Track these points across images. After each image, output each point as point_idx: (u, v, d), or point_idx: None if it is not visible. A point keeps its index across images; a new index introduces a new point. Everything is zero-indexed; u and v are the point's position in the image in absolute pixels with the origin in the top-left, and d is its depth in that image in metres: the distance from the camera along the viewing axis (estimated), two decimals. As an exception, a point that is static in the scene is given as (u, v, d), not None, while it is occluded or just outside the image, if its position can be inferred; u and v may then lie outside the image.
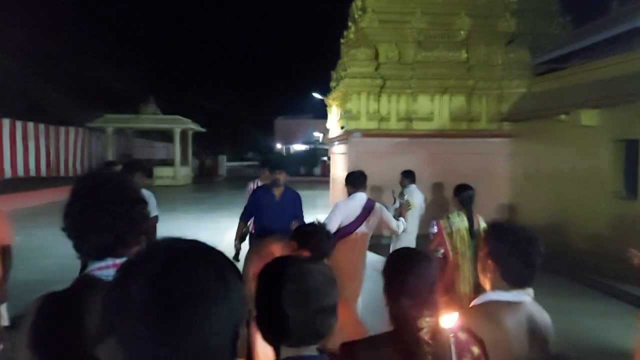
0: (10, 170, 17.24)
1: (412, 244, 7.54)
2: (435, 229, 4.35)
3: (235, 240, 5.37)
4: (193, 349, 0.71)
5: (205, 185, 26.41)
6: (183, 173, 25.82)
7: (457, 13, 10.14)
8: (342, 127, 10.40)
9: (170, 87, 44.02)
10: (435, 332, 1.50)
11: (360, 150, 10.08)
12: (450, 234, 4.21)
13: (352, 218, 4.39)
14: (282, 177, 4.98)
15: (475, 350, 1.55)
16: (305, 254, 2.63)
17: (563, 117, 8.08)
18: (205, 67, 67.30)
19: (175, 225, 11.04)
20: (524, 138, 9.73)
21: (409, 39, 10.26)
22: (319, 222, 2.91)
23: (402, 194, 7.57)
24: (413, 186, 7.66)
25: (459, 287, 4.10)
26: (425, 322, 1.49)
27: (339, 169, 11.79)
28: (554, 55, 9.82)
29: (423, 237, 7.66)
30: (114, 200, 1.36)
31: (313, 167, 36.43)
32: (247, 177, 31.91)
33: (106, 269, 1.32)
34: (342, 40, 12.52)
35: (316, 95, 13.67)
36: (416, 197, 7.57)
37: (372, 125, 10.24)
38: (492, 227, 1.99)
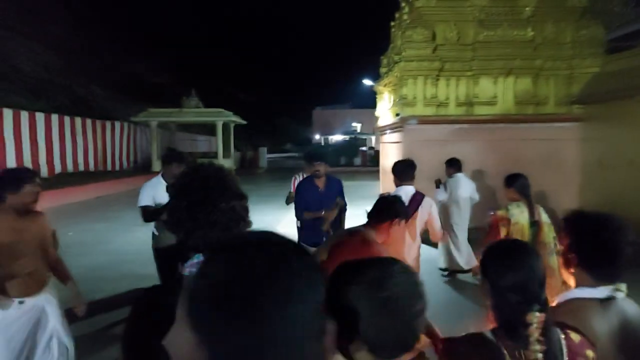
0: (60, 165, 17.43)
1: (464, 236, 7.01)
2: (491, 220, 4.04)
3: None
4: (280, 340, 0.67)
5: (247, 177, 26.28)
6: (225, 165, 25.67)
7: (522, -12, 9.40)
8: (396, 114, 9.83)
9: (210, 80, 44.27)
10: (546, 328, 1.37)
11: (416, 138, 9.51)
12: (508, 226, 3.88)
13: None
14: (322, 168, 4.93)
15: (590, 354, 1.42)
16: (387, 227, 2.83)
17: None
18: (242, 59, 67.44)
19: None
20: (598, 122, 8.93)
21: (468, 18, 9.57)
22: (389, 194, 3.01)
23: (443, 184, 7.04)
24: (460, 175, 7.09)
25: None
26: (535, 317, 1.35)
27: (391, 159, 11.23)
28: (624, 31, 8.98)
29: (476, 230, 7.13)
30: (221, 195, 1.37)
31: (353, 157, 35.87)
32: (287, 168, 31.93)
33: None
34: (392, 24, 11.92)
35: (366, 82, 13.09)
36: (463, 186, 7.02)
37: (429, 111, 9.64)
38: (572, 216, 1.78)
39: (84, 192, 15.39)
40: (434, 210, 4.26)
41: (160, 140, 24.72)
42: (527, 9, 9.43)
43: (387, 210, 2.89)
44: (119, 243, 9.10)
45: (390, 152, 11.25)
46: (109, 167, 21.02)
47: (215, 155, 25.48)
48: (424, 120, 9.50)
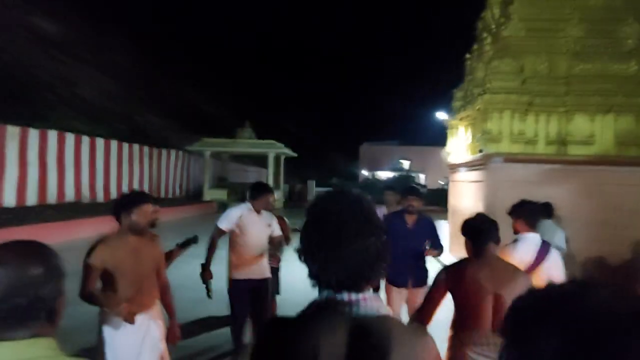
0: (117, 190, 17.36)
1: None
2: None
3: None
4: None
5: (296, 210, 25.76)
6: (275, 197, 25.34)
7: (624, 19, 8.56)
8: (479, 151, 9.02)
9: (262, 112, 44.67)
10: None
11: (501, 177, 8.63)
12: None
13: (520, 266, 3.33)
14: (416, 203, 4.75)
15: None
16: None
17: None
18: (295, 92, 68.25)
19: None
20: None
21: (561, 50, 8.77)
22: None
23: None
24: (548, 222, 6.13)
25: None
26: None
27: (466, 199, 10.35)
28: None
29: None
30: (357, 231, 1.20)
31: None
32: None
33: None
34: (468, 55, 11.26)
35: (440, 115, 12.37)
36: (552, 235, 6.08)
37: (516, 148, 8.77)
38: None
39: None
40: (560, 263, 3.54)
41: (213, 169, 24.63)
42: (629, 41, 8.57)
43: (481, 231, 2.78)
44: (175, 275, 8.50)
45: (465, 192, 10.38)
46: (162, 194, 20.93)
47: (265, 187, 25.07)
48: (510, 159, 8.64)
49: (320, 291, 1.24)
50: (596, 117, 8.58)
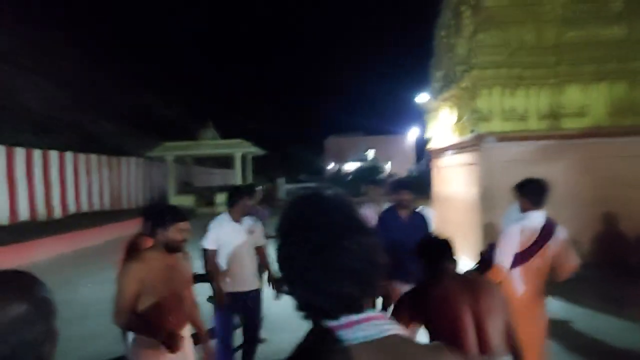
0: (75, 204, 16.10)
1: None
2: None
3: None
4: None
5: (269, 210, 24.90)
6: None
7: (609, -19, 8.11)
8: (471, 131, 8.43)
9: (221, 112, 43.42)
10: None
11: (495, 158, 8.08)
12: None
13: (524, 246, 3.30)
14: (408, 197, 4.61)
15: None
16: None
17: None
18: (252, 89, 66.93)
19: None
20: None
21: (548, 17, 8.25)
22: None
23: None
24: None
25: None
26: None
27: (455, 185, 9.78)
28: None
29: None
30: (356, 238, 1.02)
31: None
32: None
33: (342, 328, 1.00)
34: (442, 33, 10.69)
35: (419, 99, 11.76)
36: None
37: (508, 126, 8.23)
38: None
39: (98, 235, 13.93)
40: (569, 243, 3.42)
41: (176, 175, 23.50)
42: (616, 4, 8.12)
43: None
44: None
45: (454, 177, 9.79)
46: (125, 206, 19.70)
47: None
48: (504, 137, 8.09)
49: (314, 321, 1.05)
50: (589, 86, 8.12)
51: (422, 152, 43.21)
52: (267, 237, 4.88)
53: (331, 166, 52.20)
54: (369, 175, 36.30)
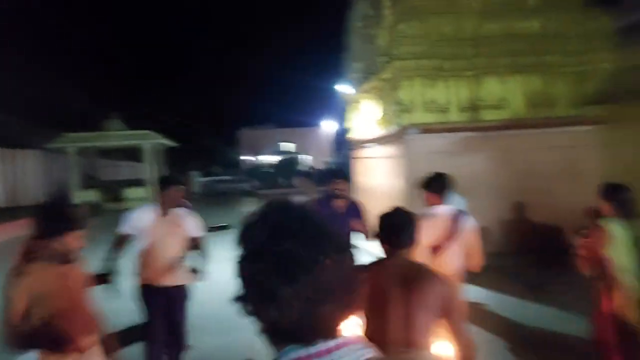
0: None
1: None
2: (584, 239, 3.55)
3: None
4: None
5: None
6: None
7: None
8: (397, 123, 8.29)
9: (130, 103, 41.04)
10: None
11: (419, 150, 8.01)
12: (610, 247, 3.35)
13: (435, 238, 3.47)
14: (342, 186, 4.55)
15: None
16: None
17: None
18: (162, 79, 64.01)
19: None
20: (623, 123, 7.84)
21: (467, 9, 8.28)
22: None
23: None
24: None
25: (627, 313, 3.28)
26: None
27: (377, 177, 9.66)
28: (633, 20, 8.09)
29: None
30: (336, 255, 0.94)
31: (291, 177, 34.19)
32: (223, 193, 29.59)
33: (316, 357, 0.90)
34: (359, 24, 10.53)
35: (339, 89, 11.49)
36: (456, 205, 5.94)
37: (430, 118, 8.18)
38: None
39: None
40: (478, 232, 3.61)
41: (80, 168, 21.74)
42: (530, -1, 8.31)
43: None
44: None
45: (377, 169, 9.67)
46: (22, 202, 17.87)
47: (142, 182, 22.79)
48: (426, 129, 8.03)
49: (280, 349, 0.93)
50: (506, 79, 8.25)
51: (341, 144, 43.70)
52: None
53: (246, 158, 51.27)
54: (290, 167, 36.02)
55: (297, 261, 0.90)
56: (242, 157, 51.40)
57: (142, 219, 4.03)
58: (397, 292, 2.19)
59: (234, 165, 53.69)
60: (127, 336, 4.75)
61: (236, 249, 0.97)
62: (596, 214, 3.74)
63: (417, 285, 2.20)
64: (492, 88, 8.24)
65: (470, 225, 3.54)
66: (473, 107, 8.26)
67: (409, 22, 8.04)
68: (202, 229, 4.39)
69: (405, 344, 2.13)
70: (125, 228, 4.05)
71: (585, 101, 8.23)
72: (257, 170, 37.52)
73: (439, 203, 3.60)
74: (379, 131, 9.20)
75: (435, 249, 3.45)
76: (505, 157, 8.11)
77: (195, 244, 4.24)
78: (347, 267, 0.97)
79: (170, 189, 4.04)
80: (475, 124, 8.17)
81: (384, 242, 2.42)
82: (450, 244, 3.42)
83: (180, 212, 4.17)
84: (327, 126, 49.78)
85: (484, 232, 3.98)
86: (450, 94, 8.25)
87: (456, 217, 3.52)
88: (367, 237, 4.50)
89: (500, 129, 8.13)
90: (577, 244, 3.69)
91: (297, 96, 78.46)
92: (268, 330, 0.94)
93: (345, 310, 0.95)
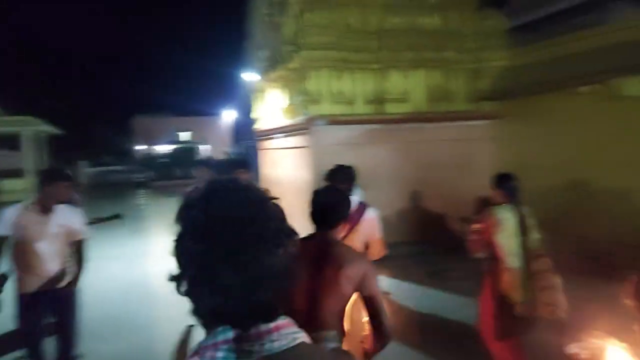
0: None
1: None
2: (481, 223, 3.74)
3: None
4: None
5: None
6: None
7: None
8: (304, 113, 8.18)
9: (7, 86, 37.07)
10: None
11: (326, 141, 7.99)
12: (499, 232, 3.63)
13: None
14: (244, 176, 4.53)
15: None
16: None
17: (584, 88, 6.88)
18: (45, 62, 58.57)
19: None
20: (514, 118, 8.39)
21: (372, 2, 8.36)
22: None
23: None
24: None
25: (511, 293, 3.58)
26: None
27: (284, 168, 9.52)
28: (525, 20, 8.67)
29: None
30: (283, 241, 0.94)
31: (190, 168, 33.01)
32: (113, 184, 27.84)
33: (251, 339, 0.91)
34: (263, 12, 10.29)
35: (248, 77, 11.05)
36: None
37: (337, 109, 8.19)
38: None
39: None
40: (378, 223, 3.67)
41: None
42: (431, -6, 8.57)
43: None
44: None
45: (283, 160, 9.52)
46: None
47: (21, 173, 20.71)
48: (334, 120, 8.03)
49: (212, 331, 0.91)
50: (409, 73, 8.46)
51: (241, 134, 42.88)
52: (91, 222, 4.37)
53: (140, 148, 48.64)
54: (187, 157, 34.67)
55: (241, 245, 0.88)
56: (136, 147, 48.64)
57: (19, 217, 3.63)
58: (313, 271, 2.14)
59: (127, 155, 50.71)
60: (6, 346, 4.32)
61: (174, 227, 0.94)
62: (487, 202, 4.03)
63: (336, 263, 2.15)
64: (396, 82, 8.41)
65: (370, 215, 3.59)
66: (378, 100, 8.38)
67: (315, 12, 7.94)
68: (86, 229, 4.05)
69: (316, 324, 2.05)
70: (1, 229, 3.64)
71: (479, 97, 8.70)
72: (152, 161, 35.74)
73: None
74: (285, 121, 9.05)
75: None
76: (407, 149, 8.34)
77: (77, 245, 3.94)
78: (290, 253, 0.96)
79: (55, 184, 3.64)
80: (379, 117, 8.31)
81: (311, 220, 2.38)
82: (351, 234, 3.40)
83: (65, 209, 3.84)
84: (228, 115, 48.74)
85: (386, 222, 4.24)
86: (357, 86, 8.31)
87: (358, 209, 3.52)
88: None
89: (402, 121, 8.34)
90: (469, 229, 3.89)
91: (197, 84, 75.80)
92: (203, 312, 0.92)
93: (284, 296, 0.96)
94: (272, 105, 9.92)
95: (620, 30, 6.60)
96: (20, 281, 3.69)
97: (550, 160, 7.61)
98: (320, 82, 8.00)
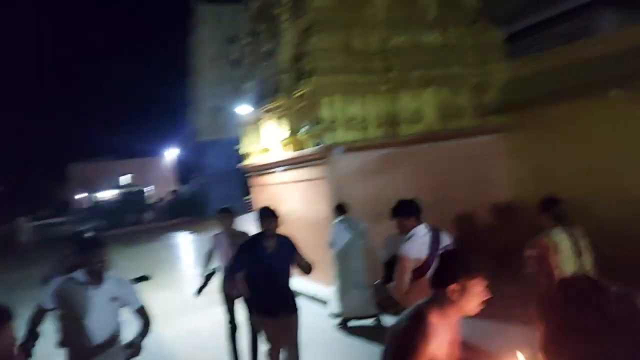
0: None
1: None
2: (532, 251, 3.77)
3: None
4: None
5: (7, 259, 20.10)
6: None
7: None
8: (317, 144, 7.63)
9: None
10: None
11: (344, 170, 7.49)
12: (556, 255, 3.66)
13: (423, 256, 3.53)
14: (274, 225, 4.33)
15: None
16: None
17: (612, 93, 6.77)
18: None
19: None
20: (525, 131, 8.21)
21: (373, 21, 8.01)
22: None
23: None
24: (339, 218, 6.76)
25: None
26: None
27: (291, 202, 8.84)
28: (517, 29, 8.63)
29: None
30: None
31: (142, 213, 31.32)
32: (59, 239, 25.89)
33: None
34: (243, 42, 9.80)
35: (242, 110, 10.20)
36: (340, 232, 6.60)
37: (351, 136, 7.71)
38: None
39: None
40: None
41: None
42: (429, 9, 8.36)
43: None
44: None
45: (289, 195, 8.84)
46: None
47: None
48: (350, 147, 7.54)
49: None
50: (418, 92, 8.14)
51: (187, 172, 41.35)
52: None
53: (81, 196, 45.84)
54: (137, 202, 32.89)
55: None
56: (76, 196, 45.77)
57: (63, 289, 3.45)
58: None
59: (68, 206, 47.60)
60: None
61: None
62: (554, 202, 3.98)
63: None
64: (406, 102, 8.07)
65: (448, 241, 3.74)
66: (390, 122, 8.00)
67: (321, 35, 7.51)
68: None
69: None
70: (47, 301, 3.45)
71: (487, 111, 8.50)
72: (98, 209, 33.72)
73: (416, 225, 3.69)
74: (290, 154, 8.45)
75: (419, 272, 3.54)
76: (422, 171, 7.93)
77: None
78: None
79: (90, 252, 3.50)
80: (393, 140, 7.91)
81: None
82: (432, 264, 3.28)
83: (117, 280, 3.66)
84: (170, 154, 47.09)
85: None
86: (368, 110, 7.89)
87: (435, 236, 3.70)
88: (308, 271, 4.42)
89: (416, 142, 7.98)
90: (527, 256, 3.83)
91: (135, 123, 72.87)
92: None
93: None
94: (269, 138, 9.28)
95: (624, 37, 6.59)
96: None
97: (567, 170, 7.37)
98: (333, 108, 7.52)
